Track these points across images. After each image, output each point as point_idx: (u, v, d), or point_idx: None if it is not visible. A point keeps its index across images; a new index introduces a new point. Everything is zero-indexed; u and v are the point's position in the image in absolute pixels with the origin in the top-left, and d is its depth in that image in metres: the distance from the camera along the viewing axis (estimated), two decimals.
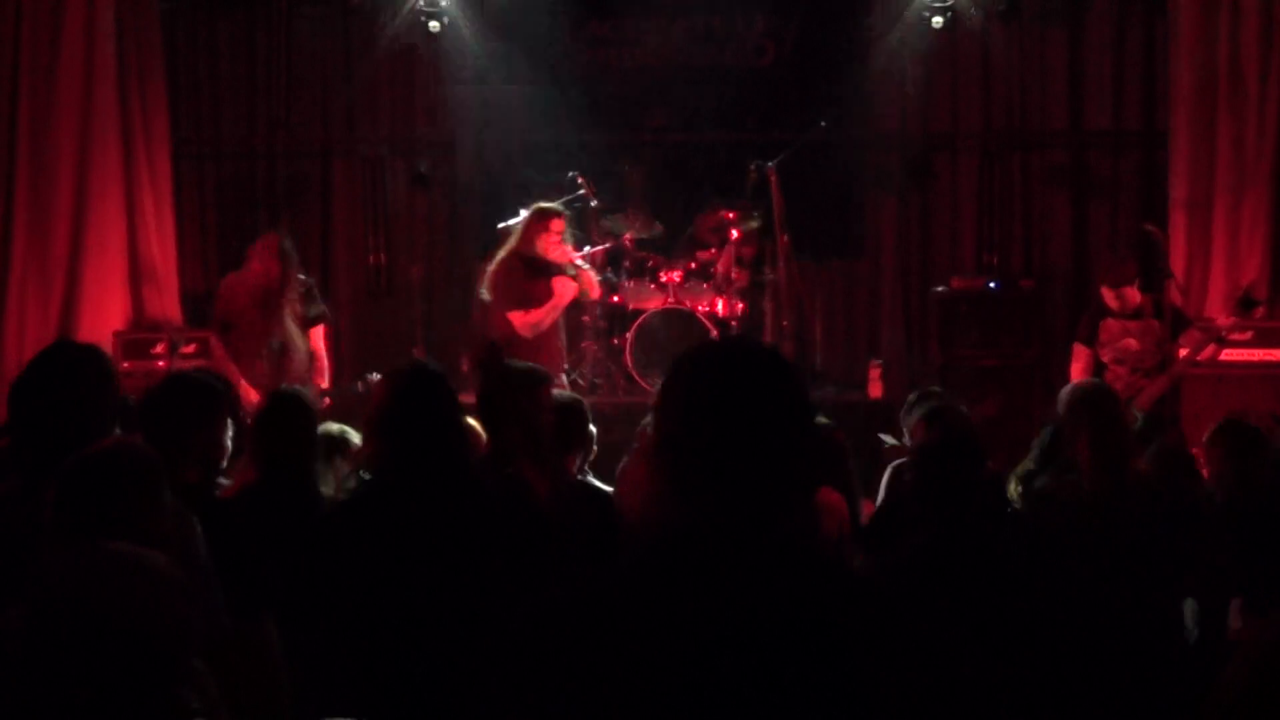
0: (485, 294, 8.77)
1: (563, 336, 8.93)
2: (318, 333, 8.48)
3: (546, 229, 8.67)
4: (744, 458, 2.10)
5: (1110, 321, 8.41)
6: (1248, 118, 9.67)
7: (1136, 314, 8.39)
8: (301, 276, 8.48)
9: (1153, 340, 8.30)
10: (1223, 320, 8.68)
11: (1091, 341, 8.48)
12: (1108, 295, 8.29)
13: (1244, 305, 8.48)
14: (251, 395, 7.75)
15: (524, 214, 8.83)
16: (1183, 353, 8.22)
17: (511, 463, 4.66)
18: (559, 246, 8.72)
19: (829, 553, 2.08)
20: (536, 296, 8.55)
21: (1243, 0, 9.68)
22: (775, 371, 2.17)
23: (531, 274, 8.60)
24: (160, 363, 9.73)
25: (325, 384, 8.50)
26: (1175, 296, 8.58)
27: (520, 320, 8.45)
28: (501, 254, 8.75)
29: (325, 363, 8.53)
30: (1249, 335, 9.24)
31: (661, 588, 2.07)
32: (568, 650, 2.08)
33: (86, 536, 3.05)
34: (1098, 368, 8.42)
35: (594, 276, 9.12)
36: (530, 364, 5.20)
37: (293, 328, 8.22)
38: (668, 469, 2.16)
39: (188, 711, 2.55)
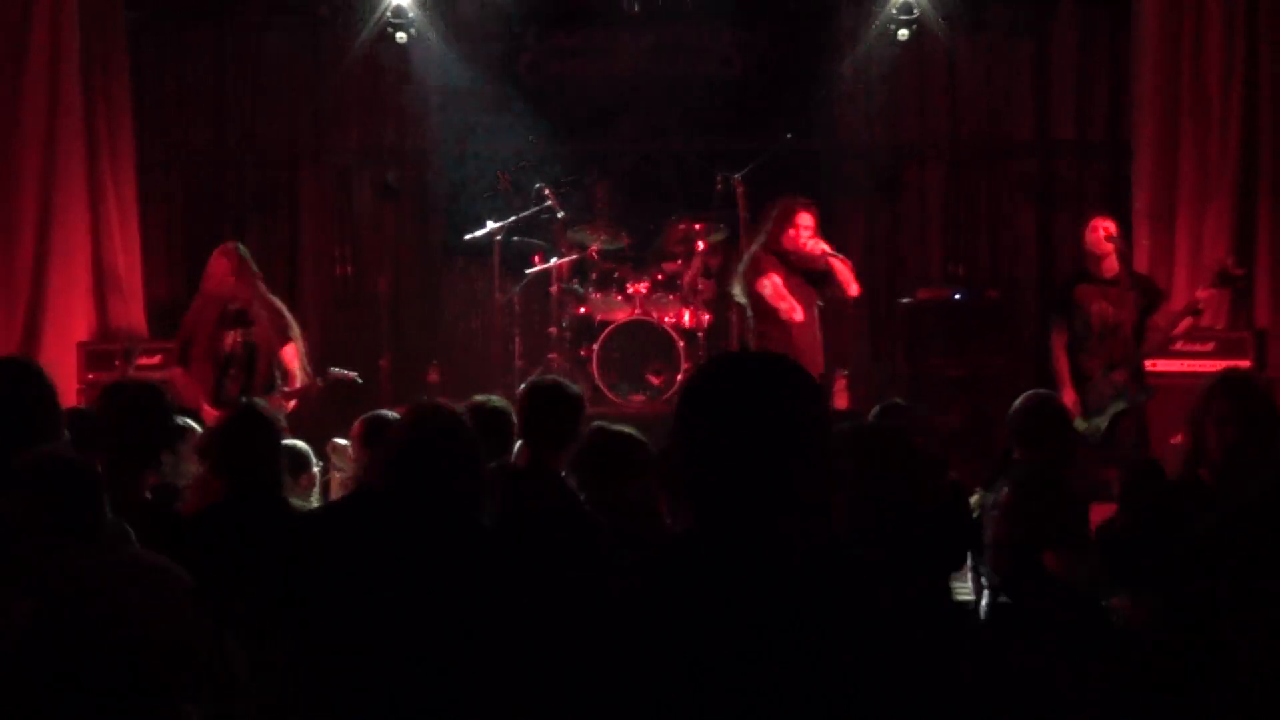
0: (737, 293, 8.76)
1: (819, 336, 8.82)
2: (289, 351, 8.44)
3: (793, 223, 8.59)
4: (755, 465, 2.12)
5: (1086, 286, 8.48)
6: (1211, 130, 9.76)
7: (1114, 281, 8.41)
8: (273, 300, 8.50)
9: (1127, 311, 8.32)
10: (1200, 292, 8.62)
11: (1066, 310, 8.53)
12: (1089, 239, 8.45)
13: (1223, 278, 8.42)
14: (212, 414, 7.74)
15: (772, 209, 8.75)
16: (1160, 324, 8.33)
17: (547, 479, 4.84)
18: (811, 239, 8.62)
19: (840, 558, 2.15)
20: (789, 291, 8.53)
21: (1206, 13, 9.75)
22: (791, 384, 2.20)
23: (784, 268, 8.57)
24: (116, 373, 9.65)
25: (290, 406, 8.44)
26: None
27: (770, 289, 8.44)
28: (751, 249, 8.73)
29: (296, 382, 8.49)
30: (1210, 346, 9.31)
31: (668, 593, 2.09)
32: (566, 653, 2.11)
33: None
34: (1075, 341, 8.49)
35: (849, 272, 8.78)
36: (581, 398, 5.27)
37: (258, 338, 8.21)
38: (681, 476, 2.19)
39: None
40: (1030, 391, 6.06)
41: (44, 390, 4.56)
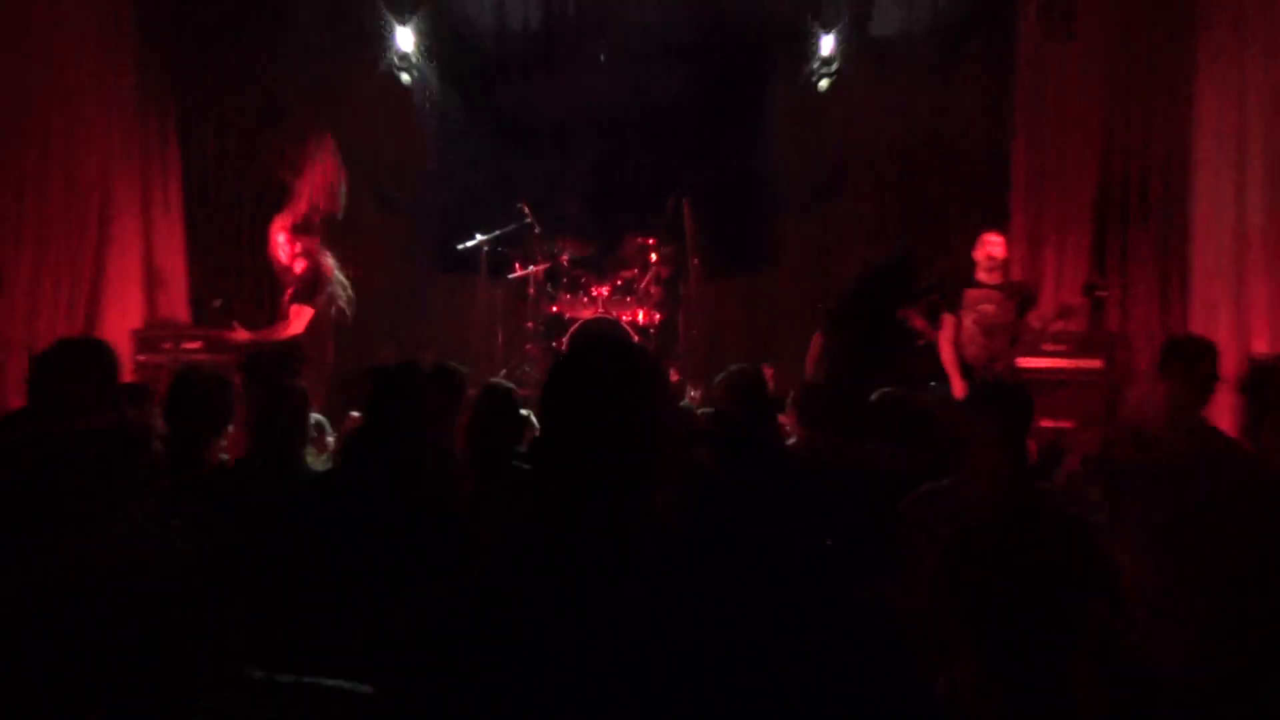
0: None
1: None
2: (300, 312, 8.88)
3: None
4: (598, 443, 2.10)
5: (973, 290, 8.79)
6: (1067, 168, 10.18)
7: (999, 287, 8.75)
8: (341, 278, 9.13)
9: (1008, 313, 8.71)
10: (1070, 299, 9.10)
11: (954, 308, 8.82)
12: (980, 251, 8.78)
13: (1087, 290, 8.86)
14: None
15: None
16: (1034, 324, 8.83)
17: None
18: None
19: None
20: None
21: (1070, 60, 10.17)
22: (626, 367, 2.17)
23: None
24: (164, 356, 10.01)
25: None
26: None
27: None
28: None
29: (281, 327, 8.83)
30: (1068, 347, 9.51)
31: (527, 566, 2.09)
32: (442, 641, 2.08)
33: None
34: (959, 331, 8.83)
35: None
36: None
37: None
38: (548, 455, 2.16)
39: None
40: (736, 367, 6.03)
41: (111, 366, 4.91)
